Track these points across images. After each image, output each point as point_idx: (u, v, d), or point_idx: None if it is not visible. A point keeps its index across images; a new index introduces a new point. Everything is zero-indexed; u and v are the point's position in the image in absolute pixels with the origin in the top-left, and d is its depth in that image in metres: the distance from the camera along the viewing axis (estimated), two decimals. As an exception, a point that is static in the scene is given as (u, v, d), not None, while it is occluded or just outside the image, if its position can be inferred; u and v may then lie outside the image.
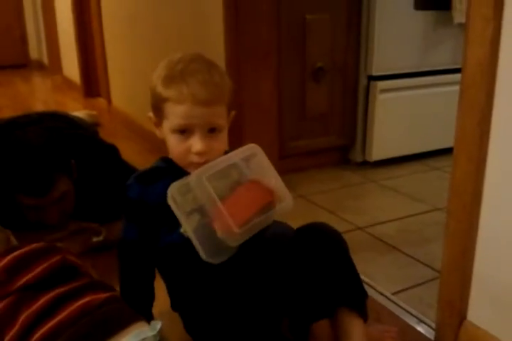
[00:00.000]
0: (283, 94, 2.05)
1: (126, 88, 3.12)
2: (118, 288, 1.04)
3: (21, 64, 5.56)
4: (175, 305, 1.05)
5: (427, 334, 1.13)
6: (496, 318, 0.99)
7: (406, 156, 2.30)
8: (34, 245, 0.90)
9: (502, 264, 0.96)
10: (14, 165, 1.33)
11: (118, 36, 3.08)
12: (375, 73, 2.13)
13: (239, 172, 0.89)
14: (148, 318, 1.04)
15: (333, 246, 1.00)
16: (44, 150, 1.37)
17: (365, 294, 1.02)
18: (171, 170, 0.94)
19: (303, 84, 2.11)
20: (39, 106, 3.81)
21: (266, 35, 1.92)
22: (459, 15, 2.10)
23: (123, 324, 0.80)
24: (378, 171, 2.22)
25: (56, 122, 1.67)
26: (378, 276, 1.37)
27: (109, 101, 3.41)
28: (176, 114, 0.89)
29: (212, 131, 0.91)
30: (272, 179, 0.90)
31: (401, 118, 2.23)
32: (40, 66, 5.59)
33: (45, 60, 5.46)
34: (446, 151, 2.18)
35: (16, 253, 0.89)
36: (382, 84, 2.14)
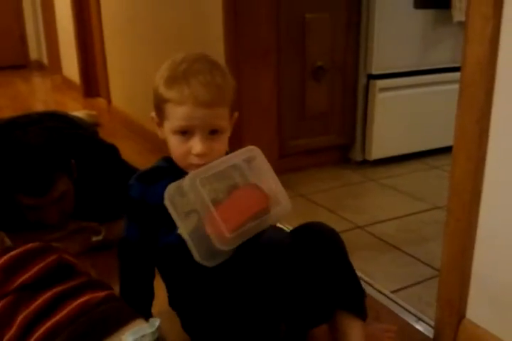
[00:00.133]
0: (283, 93, 2.05)
1: (125, 88, 3.12)
2: (117, 287, 1.04)
3: (21, 64, 5.57)
4: (173, 304, 1.05)
5: (426, 333, 1.13)
6: (494, 317, 0.99)
7: (405, 155, 2.30)
8: (30, 245, 0.89)
9: (501, 263, 0.96)
10: (14, 165, 1.33)
11: (118, 36, 3.08)
12: (374, 72, 2.13)
13: (241, 174, 0.89)
14: (148, 317, 1.05)
15: (330, 247, 0.99)
16: (44, 150, 1.37)
17: (363, 294, 1.02)
18: (172, 171, 0.94)
19: (302, 83, 2.11)
20: (39, 107, 3.81)
21: (265, 34, 1.92)
22: (458, 14, 2.10)
23: (121, 322, 0.79)
24: (378, 170, 2.22)
25: (56, 122, 1.67)
26: (378, 275, 1.37)
27: (109, 101, 3.41)
28: (176, 115, 0.89)
29: (213, 132, 0.91)
30: (270, 183, 0.89)
31: (400, 117, 2.23)
32: (39, 66, 5.59)
33: (45, 60, 5.46)
34: (446, 150, 2.18)
35: (12, 253, 0.88)
36: (381, 83, 2.14)
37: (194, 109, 0.87)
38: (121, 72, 3.13)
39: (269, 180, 0.89)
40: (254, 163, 0.89)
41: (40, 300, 0.82)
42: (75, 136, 1.57)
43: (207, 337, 0.99)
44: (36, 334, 0.79)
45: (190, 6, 2.15)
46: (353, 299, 1.00)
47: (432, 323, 1.13)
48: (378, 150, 2.23)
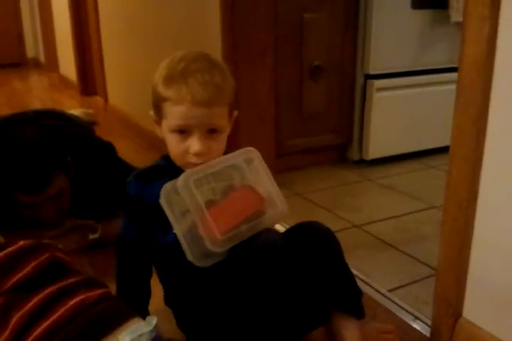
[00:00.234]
0: (280, 93, 2.05)
1: (122, 86, 3.12)
2: (114, 285, 1.04)
3: (18, 62, 5.55)
4: (169, 302, 1.05)
5: (423, 331, 1.14)
6: (491, 316, 1.00)
7: (402, 155, 2.31)
8: (21, 243, 0.87)
9: (497, 262, 0.96)
10: (10, 162, 1.33)
11: (115, 34, 3.08)
12: (372, 72, 2.14)
13: (240, 175, 0.89)
14: (145, 315, 1.05)
15: (325, 247, 0.99)
16: (40, 148, 1.37)
17: (359, 293, 1.02)
18: (170, 169, 0.93)
19: (300, 83, 2.11)
20: (36, 105, 3.80)
21: (263, 33, 1.92)
22: (455, 14, 2.11)
23: (119, 321, 0.78)
24: (375, 169, 2.22)
25: (53, 120, 1.67)
26: (375, 274, 1.37)
27: (106, 99, 3.40)
28: (174, 114, 0.89)
29: (211, 131, 0.90)
30: (267, 185, 0.89)
31: (398, 117, 2.24)
32: (36, 64, 5.58)
33: (42, 58, 5.44)
34: (442, 150, 2.18)
35: (2, 254, 0.86)
36: (379, 83, 2.15)
37: (192, 108, 0.87)
38: (118, 70, 3.12)
39: (267, 183, 0.89)
40: (253, 165, 0.88)
41: (34, 301, 0.80)
42: (71, 133, 1.56)
43: (202, 335, 0.99)
44: (32, 336, 0.77)
45: (188, 5, 2.14)
46: (349, 299, 1.00)
47: (429, 322, 1.14)
48: (375, 149, 2.24)
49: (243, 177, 0.89)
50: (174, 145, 0.92)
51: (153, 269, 1.05)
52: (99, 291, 0.84)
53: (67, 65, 4.23)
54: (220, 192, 0.87)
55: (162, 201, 0.85)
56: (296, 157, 2.20)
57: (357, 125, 2.24)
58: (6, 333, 0.79)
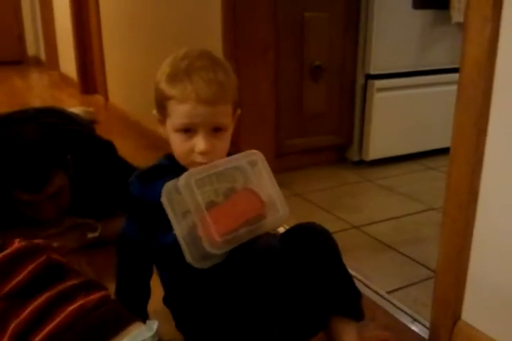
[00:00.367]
0: (280, 92, 2.05)
1: (123, 85, 3.11)
2: (112, 285, 1.04)
3: (18, 60, 5.55)
4: (168, 302, 1.05)
5: (422, 334, 1.13)
6: (490, 318, 0.99)
7: (402, 156, 2.30)
8: (16, 246, 0.83)
9: (497, 264, 0.96)
10: (10, 160, 1.32)
11: (116, 33, 3.07)
12: (372, 72, 2.13)
13: (244, 178, 0.89)
14: (143, 315, 1.04)
15: (323, 249, 0.98)
16: (40, 146, 1.36)
17: (358, 295, 1.01)
18: (173, 169, 0.92)
19: (300, 83, 2.10)
20: (36, 103, 3.79)
21: (264, 32, 1.92)
22: (457, 15, 2.10)
23: (120, 326, 0.76)
24: (375, 170, 2.22)
25: (53, 118, 1.67)
26: (373, 275, 1.37)
27: (106, 97, 3.40)
28: (179, 112, 0.88)
29: (216, 130, 0.90)
30: (270, 189, 0.88)
31: (398, 118, 2.23)
32: (37, 62, 5.58)
33: (43, 56, 5.44)
34: (442, 151, 2.19)
35: None
36: (379, 83, 2.14)
37: (196, 107, 0.86)
38: (119, 69, 3.12)
39: (269, 186, 0.88)
40: (256, 168, 0.88)
41: (31, 308, 0.77)
42: (71, 132, 1.56)
43: (200, 336, 0.99)
44: None
45: (189, 3, 2.14)
46: (348, 301, 0.99)
47: (428, 324, 1.13)
48: (375, 150, 2.23)
49: (246, 179, 0.88)
50: (179, 145, 0.91)
51: (154, 269, 1.05)
52: (98, 294, 0.82)
53: (68, 63, 4.23)
54: (222, 193, 0.86)
55: (163, 199, 0.84)
56: (296, 157, 2.20)
57: (357, 125, 2.24)
58: None
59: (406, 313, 1.21)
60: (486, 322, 1.00)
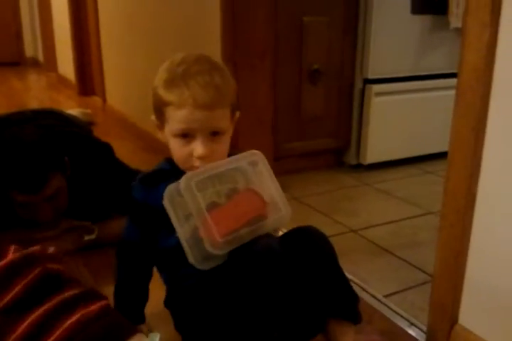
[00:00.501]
0: (279, 96, 2.05)
1: (121, 87, 3.11)
2: (110, 287, 1.04)
3: (16, 61, 5.54)
4: (168, 303, 1.05)
5: (419, 338, 1.13)
6: (487, 323, 1.00)
7: (400, 160, 2.31)
8: (10, 258, 0.80)
9: (494, 269, 0.96)
10: (8, 161, 1.32)
11: (114, 35, 3.08)
12: (370, 76, 2.14)
13: (245, 178, 0.89)
14: (141, 318, 1.04)
15: (320, 253, 0.97)
16: (38, 147, 1.36)
17: (355, 298, 1.01)
18: (174, 173, 0.92)
19: (299, 86, 2.11)
20: (33, 104, 3.79)
21: (263, 36, 1.92)
22: (455, 20, 2.11)
23: (121, 338, 0.74)
24: (372, 174, 2.22)
25: (50, 120, 1.66)
26: (371, 279, 1.37)
27: (104, 99, 3.40)
28: (176, 118, 0.88)
29: (214, 134, 0.90)
30: (271, 190, 0.88)
31: (396, 122, 2.24)
32: (35, 63, 5.57)
33: (41, 57, 5.44)
34: (439, 156, 2.19)
35: None
36: (377, 88, 2.15)
37: (194, 112, 0.87)
38: (117, 70, 3.12)
39: (271, 187, 0.89)
40: (257, 168, 0.88)
41: (28, 321, 0.74)
42: (69, 133, 1.56)
43: (199, 338, 0.99)
44: None
45: (188, 6, 2.14)
46: (345, 305, 0.99)
47: (425, 328, 1.13)
48: (373, 154, 2.24)
49: (248, 180, 0.88)
50: (177, 150, 0.91)
51: (154, 271, 1.05)
52: (97, 305, 0.78)
53: (66, 65, 4.23)
54: (224, 194, 0.86)
55: (165, 202, 0.85)
56: (294, 160, 2.20)
57: (355, 129, 2.24)
58: None
59: (403, 317, 1.21)
60: (483, 326, 1.00)
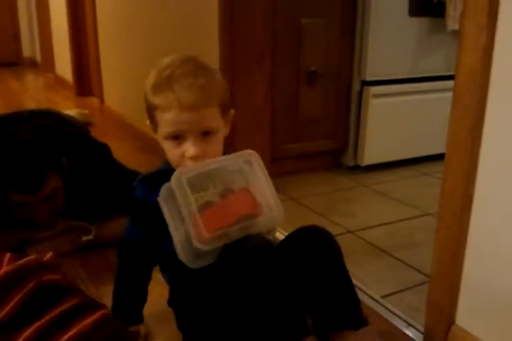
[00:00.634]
0: (276, 97, 2.05)
1: (118, 87, 3.11)
2: (107, 288, 1.04)
3: (14, 62, 5.53)
4: (171, 302, 1.05)
5: (416, 338, 1.14)
6: (484, 323, 1.00)
7: (397, 161, 2.32)
8: (4, 271, 0.78)
9: (491, 269, 0.97)
10: (5, 161, 1.32)
11: (112, 35, 3.08)
12: (368, 78, 2.14)
13: (243, 179, 0.89)
14: (139, 318, 1.05)
15: (326, 252, 0.96)
16: (35, 148, 1.36)
17: (358, 304, 0.99)
18: (172, 174, 0.94)
19: (296, 88, 2.11)
20: (31, 104, 3.79)
21: (261, 38, 1.92)
22: (452, 23, 2.12)
23: None
24: (369, 176, 2.23)
25: (48, 120, 1.66)
26: (368, 280, 1.37)
27: (102, 100, 3.40)
28: (164, 121, 0.90)
29: (205, 134, 0.91)
30: (265, 190, 0.89)
31: (393, 124, 2.25)
32: (32, 64, 5.56)
33: (38, 57, 5.43)
34: (436, 157, 2.20)
35: None
36: (375, 90, 2.15)
37: (180, 114, 0.88)
38: (115, 71, 3.12)
39: (264, 187, 0.89)
40: (252, 168, 0.89)
41: (25, 335, 0.72)
42: (66, 134, 1.56)
43: (200, 336, 0.99)
44: None
45: (187, 7, 2.15)
46: (347, 313, 0.97)
47: (422, 329, 1.14)
48: (370, 156, 2.24)
49: (244, 180, 0.89)
50: (170, 152, 0.92)
51: (154, 272, 1.05)
52: (96, 315, 0.78)
53: (64, 65, 4.22)
54: (218, 193, 0.87)
55: (160, 200, 0.86)
56: (291, 162, 2.20)
57: (352, 131, 2.25)
58: None
59: (400, 318, 1.21)
60: (480, 326, 1.00)
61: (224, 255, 0.88)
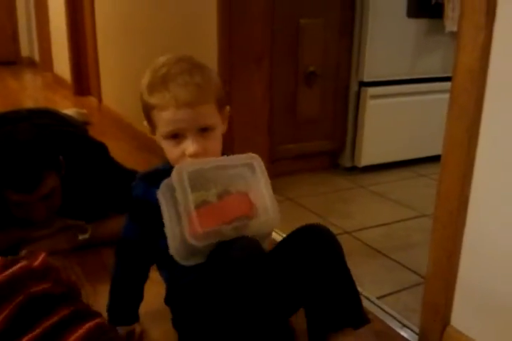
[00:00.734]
0: (274, 98, 2.05)
1: (117, 87, 3.11)
2: (104, 287, 1.03)
3: (12, 61, 5.53)
4: (168, 300, 1.05)
5: (411, 339, 1.14)
6: (479, 324, 1.00)
7: (394, 162, 2.32)
8: None
9: (486, 270, 0.97)
10: (3, 161, 1.32)
11: (110, 35, 3.07)
12: (366, 79, 2.15)
13: (242, 181, 0.89)
14: (135, 317, 1.04)
15: (327, 253, 0.96)
16: (33, 146, 1.36)
17: (360, 301, 0.98)
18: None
19: (295, 88, 2.11)
20: (29, 104, 3.78)
21: (259, 38, 1.92)
22: (450, 24, 2.12)
23: None
24: (367, 177, 2.23)
25: (45, 119, 1.66)
26: (364, 280, 1.37)
27: (100, 99, 3.40)
28: (162, 120, 0.90)
29: (204, 130, 0.91)
30: (263, 194, 0.89)
31: (390, 125, 2.25)
32: (31, 63, 5.56)
33: (36, 57, 5.42)
34: (433, 159, 2.20)
35: None
36: (372, 91, 2.16)
37: (177, 112, 0.88)
38: (113, 71, 3.12)
39: (263, 190, 0.89)
40: (255, 174, 0.89)
41: None
42: (64, 133, 1.56)
43: (195, 335, 0.99)
44: None
45: (185, 7, 2.15)
46: (348, 311, 0.96)
47: (417, 330, 1.14)
48: (368, 157, 2.25)
49: (244, 185, 0.89)
50: (170, 151, 0.92)
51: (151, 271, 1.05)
52: (90, 324, 0.76)
53: (62, 65, 4.22)
54: (216, 194, 0.88)
55: (159, 195, 0.86)
56: (289, 162, 2.20)
57: (350, 132, 2.25)
58: None
59: (395, 318, 1.21)
60: (475, 327, 1.00)
61: (213, 255, 0.88)
